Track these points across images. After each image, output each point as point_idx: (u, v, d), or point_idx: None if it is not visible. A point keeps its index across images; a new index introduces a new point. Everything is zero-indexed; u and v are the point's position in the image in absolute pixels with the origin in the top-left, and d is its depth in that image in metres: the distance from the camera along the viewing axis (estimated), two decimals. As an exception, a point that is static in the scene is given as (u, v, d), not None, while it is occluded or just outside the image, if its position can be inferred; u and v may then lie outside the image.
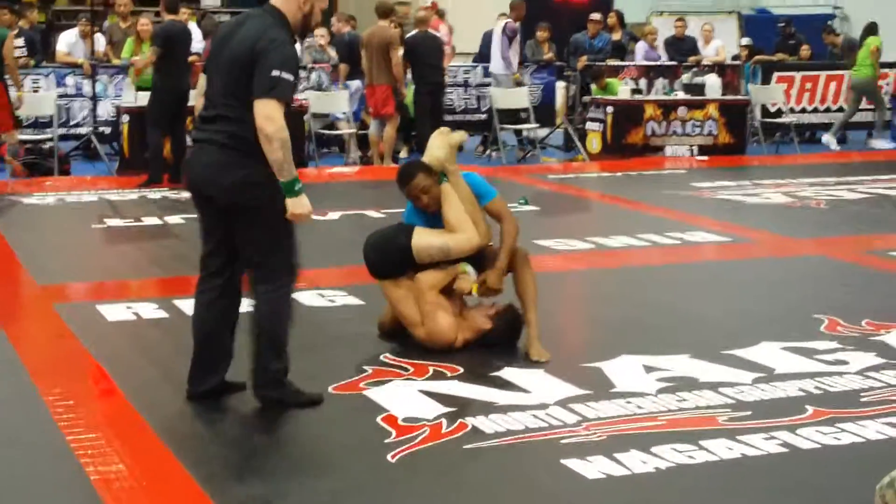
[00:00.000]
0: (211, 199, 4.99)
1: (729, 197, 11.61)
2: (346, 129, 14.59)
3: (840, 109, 16.93)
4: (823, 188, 12.14)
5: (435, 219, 5.98)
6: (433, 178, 5.95)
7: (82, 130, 14.36)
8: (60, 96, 14.01)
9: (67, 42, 14.67)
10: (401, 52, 13.79)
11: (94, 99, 14.17)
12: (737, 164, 14.55)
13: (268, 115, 4.73)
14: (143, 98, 12.53)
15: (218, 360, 5.18)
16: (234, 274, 5.11)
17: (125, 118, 12.94)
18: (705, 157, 14.81)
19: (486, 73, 16.09)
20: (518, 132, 15.40)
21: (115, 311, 6.70)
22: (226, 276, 5.11)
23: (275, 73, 4.75)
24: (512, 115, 15.11)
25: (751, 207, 11.03)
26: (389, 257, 5.96)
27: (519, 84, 15.22)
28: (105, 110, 14.39)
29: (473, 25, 17.57)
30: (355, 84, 14.63)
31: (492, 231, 6.06)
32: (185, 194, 11.24)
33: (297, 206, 4.85)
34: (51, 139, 13.20)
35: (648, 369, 5.63)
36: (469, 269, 5.97)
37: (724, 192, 11.94)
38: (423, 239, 5.90)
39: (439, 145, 6.04)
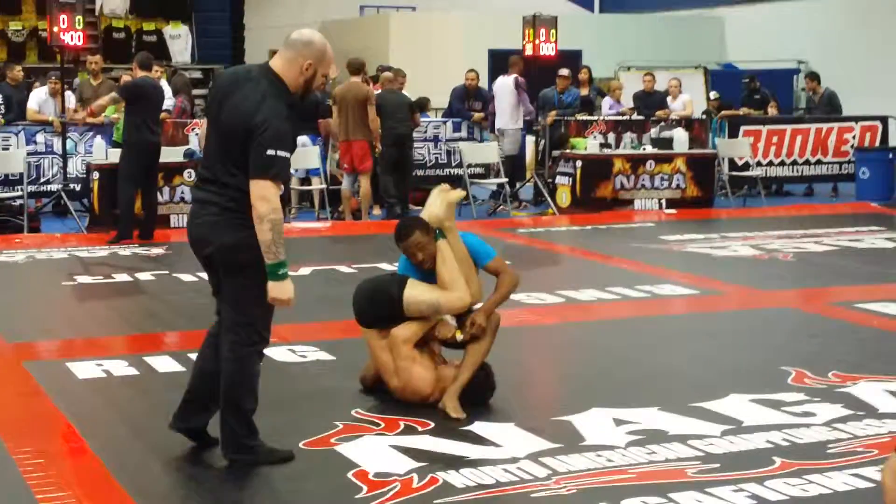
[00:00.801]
0: (209, 258, 5.04)
1: (697, 250, 11.70)
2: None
3: (806, 162, 17.15)
4: (790, 241, 12.25)
5: (429, 273, 6.00)
6: (430, 234, 5.96)
7: (52, 187, 14.36)
8: (30, 153, 14.02)
9: (38, 100, 14.71)
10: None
11: (65, 156, 14.18)
12: (705, 216, 14.67)
13: (262, 196, 4.75)
14: (114, 154, 12.56)
15: (208, 401, 5.21)
16: None
17: (95, 175, 12.95)
18: (674, 211, 14.94)
19: (456, 128, 16.22)
20: (497, 185, 15.59)
21: (85, 369, 6.69)
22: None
23: (270, 152, 4.75)
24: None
25: (719, 260, 11.13)
26: (379, 307, 5.97)
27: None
28: (75, 167, 14.40)
29: (444, 81, 17.72)
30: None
31: (482, 291, 6.06)
32: (156, 251, 11.33)
33: (279, 290, 4.84)
34: (20, 196, 13.20)
35: (618, 422, 5.67)
36: (447, 316, 5.98)
37: (693, 244, 12.04)
38: (416, 292, 5.89)
39: (439, 203, 6.06)
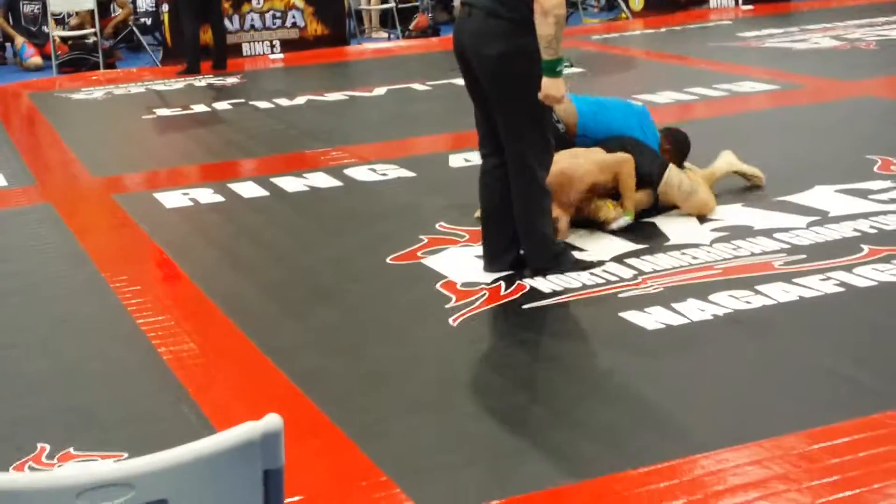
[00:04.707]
0: (477, 67, 4.87)
1: (776, 44, 11.46)
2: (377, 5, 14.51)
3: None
4: (872, 29, 11.93)
5: None
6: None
7: (123, 23, 14.38)
8: (99, -10, 14.00)
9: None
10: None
11: (133, -10, 14.16)
12: (783, 10, 14.31)
13: None
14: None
15: (506, 240, 5.09)
16: (501, 146, 4.99)
17: (165, 7, 12.93)
18: (751, 6, 14.58)
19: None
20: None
21: (172, 198, 6.81)
22: (501, 155, 5.01)
23: None
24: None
25: (799, 53, 10.89)
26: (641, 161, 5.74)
27: None
28: (144, 1, 14.37)
29: None
30: None
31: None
32: (231, 80, 11.36)
33: (554, 87, 4.70)
34: (94, 34, 13.23)
35: (702, 220, 5.66)
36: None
37: (771, 40, 11.78)
38: (679, 174, 5.79)
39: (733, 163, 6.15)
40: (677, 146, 6.13)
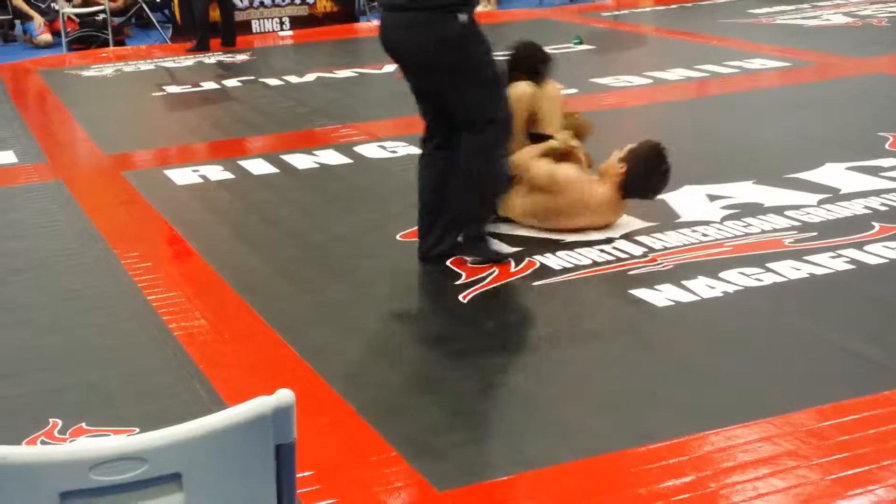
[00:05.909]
0: (408, 61, 4.85)
1: (787, 21, 11.41)
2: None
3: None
4: (885, 6, 11.88)
5: None
6: None
7: None
8: (108, -33, 13.97)
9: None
10: None
11: (142, -33, 14.12)
12: (794, -13, 14.24)
13: None
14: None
15: (442, 225, 5.01)
16: (449, 136, 4.92)
17: (174, -16, 12.91)
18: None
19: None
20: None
21: (182, 175, 6.81)
22: (437, 140, 4.97)
23: None
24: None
25: (810, 30, 10.85)
26: None
27: None
28: (153, -22, 14.34)
29: None
30: None
31: None
32: (240, 57, 11.35)
33: None
34: (103, 11, 13.22)
35: (712, 198, 5.65)
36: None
37: (783, 17, 11.73)
38: None
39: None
40: (514, 62, 5.67)
